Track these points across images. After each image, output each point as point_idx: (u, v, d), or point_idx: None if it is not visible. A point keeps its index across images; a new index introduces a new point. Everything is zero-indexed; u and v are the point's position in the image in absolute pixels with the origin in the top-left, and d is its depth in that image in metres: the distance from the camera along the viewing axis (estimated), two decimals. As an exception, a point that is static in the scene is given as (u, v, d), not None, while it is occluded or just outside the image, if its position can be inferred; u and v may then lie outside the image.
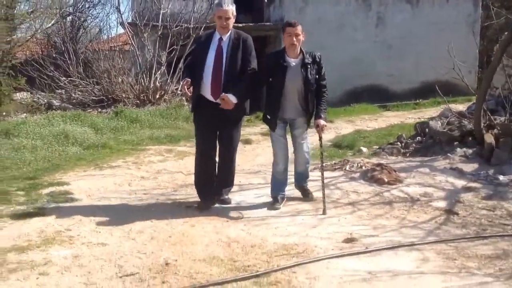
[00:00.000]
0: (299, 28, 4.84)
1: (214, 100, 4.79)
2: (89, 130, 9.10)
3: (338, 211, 4.91)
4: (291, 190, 5.37)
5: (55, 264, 3.55)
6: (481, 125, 6.91)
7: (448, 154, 6.76)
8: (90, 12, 18.96)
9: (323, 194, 4.88)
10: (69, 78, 13.17)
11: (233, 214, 4.82)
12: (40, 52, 16.59)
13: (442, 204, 5.12)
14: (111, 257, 3.70)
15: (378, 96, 15.13)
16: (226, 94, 4.65)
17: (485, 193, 5.40)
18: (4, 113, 10.66)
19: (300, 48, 4.94)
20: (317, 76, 4.95)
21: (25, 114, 10.94)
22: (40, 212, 4.77)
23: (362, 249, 3.91)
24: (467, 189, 5.51)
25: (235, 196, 5.29)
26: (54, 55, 14.46)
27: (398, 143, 8.00)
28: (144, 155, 7.79)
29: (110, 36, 17.14)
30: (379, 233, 4.35)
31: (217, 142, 5.04)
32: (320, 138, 5.03)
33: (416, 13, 15.64)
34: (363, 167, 6.28)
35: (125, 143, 8.70)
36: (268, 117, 5.02)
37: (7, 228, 4.34)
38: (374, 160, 7.00)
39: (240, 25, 16.57)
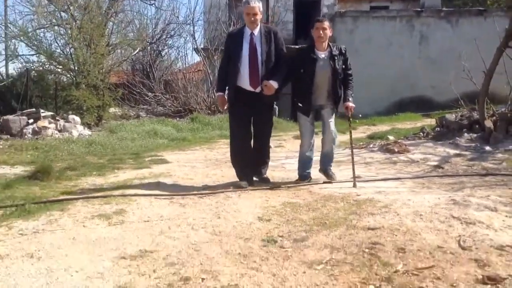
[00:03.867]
0: (325, 23, 5.36)
1: (253, 90, 5.27)
2: (172, 129, 11.52)
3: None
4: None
5: (162, 184, 5.71)
6: (485, 114, 8.56)
7: (456, 138, 8.43)
8: (167, 42, 21.89)
9: (353, 169, 5.54)
10: (153, 94, 15.81)
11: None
12: (126, 77, 19.50)
13: (434, 163, 6.88)
14: (197, 181, 5.82)
15: (423, 106, 16.70)
16: (269, 81, 5.17)
17: (470, 157, 7.09)
18: (104, 121, 13.29)
19: (328, 43, 5.47)
20: (343, 66, 5.46)
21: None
22: (146, 166, 7.02)
23: (361, 179, 5.80)
24: (458, 155, 7.21)
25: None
26: (140, 77, 17.26)
27: (421, 133, 9.73)
28: (215, 145, 9.99)
29: (186, 62, 19.77)
30: (379, 175, 6.22)
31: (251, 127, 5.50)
32: (349, 119, 5.68)
33: (456, 31, 17.20)
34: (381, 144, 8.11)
35: (200, 138, 11.01)
36: (300, 104, 5.52)
37: (127, 172, 6.57)
38: (395, 143, 8.78)
39: (297, 46, 18.84)
